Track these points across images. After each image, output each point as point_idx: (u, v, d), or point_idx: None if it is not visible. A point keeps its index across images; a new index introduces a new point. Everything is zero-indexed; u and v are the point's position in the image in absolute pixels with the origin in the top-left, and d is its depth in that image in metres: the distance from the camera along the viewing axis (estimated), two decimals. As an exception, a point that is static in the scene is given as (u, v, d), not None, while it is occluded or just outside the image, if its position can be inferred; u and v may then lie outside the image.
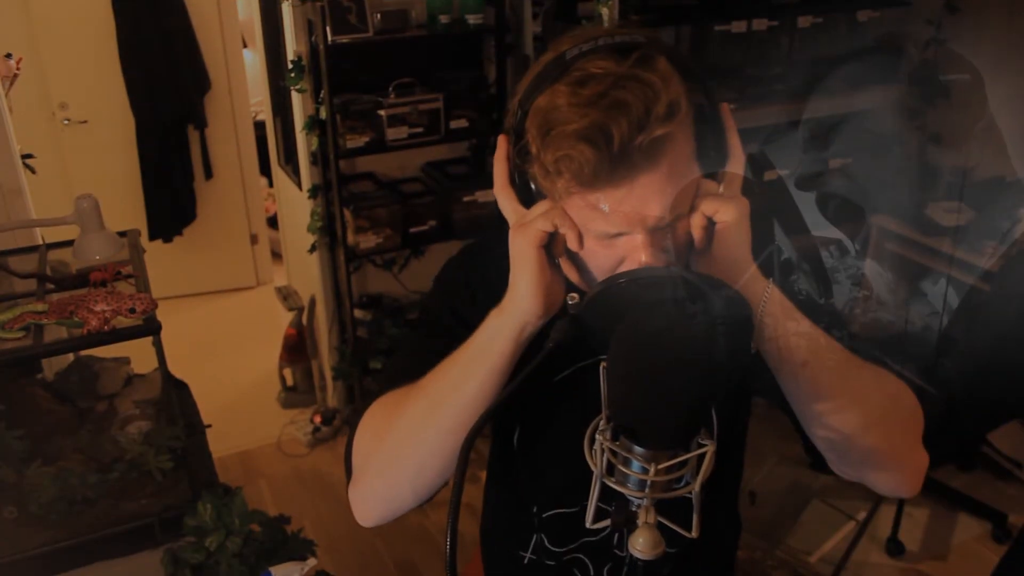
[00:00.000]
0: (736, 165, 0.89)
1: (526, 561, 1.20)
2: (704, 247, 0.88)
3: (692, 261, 0.91)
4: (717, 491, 1.14)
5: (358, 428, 1.02)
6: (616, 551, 1.14)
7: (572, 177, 0.83)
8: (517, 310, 0.88)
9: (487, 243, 1.04)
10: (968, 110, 3.33)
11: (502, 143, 0.91)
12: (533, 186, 0.89)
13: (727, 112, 0.89)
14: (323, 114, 2.86)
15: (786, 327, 0.87)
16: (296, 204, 3.43)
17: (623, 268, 0.88)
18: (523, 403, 1.09)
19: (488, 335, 0.90)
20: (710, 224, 0.87)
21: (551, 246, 0.88)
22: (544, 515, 1.15)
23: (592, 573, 1.16)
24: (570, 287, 0.91)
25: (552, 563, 1.17)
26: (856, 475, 1.00)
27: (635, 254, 0.86)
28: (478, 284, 1.06)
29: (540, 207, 0.87)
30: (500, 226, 0.93)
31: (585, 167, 0.81)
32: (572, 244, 0.87)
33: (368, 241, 3.02)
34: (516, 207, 0.90)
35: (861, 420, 0.93)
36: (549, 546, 1.16)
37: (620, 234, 0.86)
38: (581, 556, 1.16)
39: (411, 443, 0.96)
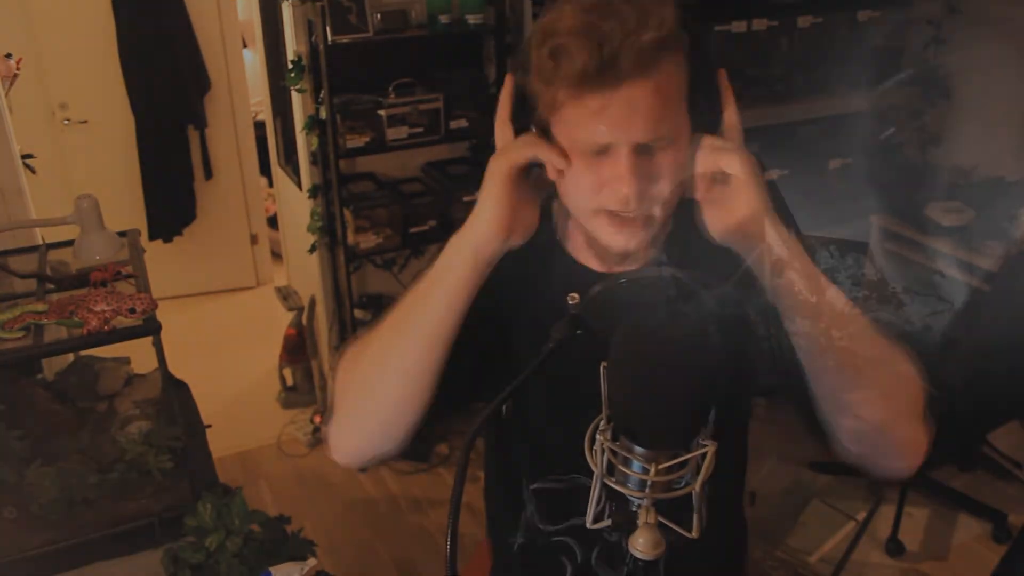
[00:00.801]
0: (733, 118, 0.91)
1: (516, 547, 1.20)
2: (709, 197, 0.89)
3: (701, 215, 0.91)
4: (718, 493, 1.14)
5: (336, 366, 1.03)
6: (605, 536, 1.14)
7: (564, 78, 0.86)
8: (474, 232, 0.91)
9: None
10: (968, 110, 3.34)
11: (508, 81, 0.94)
12: (530, 96, 0.91)
13: (723, 78, 0.92)
14: (323, 114, 2.86)
15: (804, 283, 0.88)
16: (296, 204, 3.43)
17: (607, 193, 0.90)
18: (511, 376, 1.09)
19: (446, 257, 0.93)
20: (719, 177, 0.88)
21: (527, 179, 0.91)
22: (532, 487, 1.14)
23: (580, 559, 1.16)
24: (543, 223, 0.94)
25: (542, 544, 1.17)
26: (858, 449, 0.98)
27: (618, 176, 0.88)
28: None
29: (523, 138, 0.91)
30: None
31: (576, 66, 0.84)
32: (551, 173, 0.90)
33: (368, 241, 3.02)
34: (509, 138, 0.94)
35: (869, 385, 0.92)
36: (538, 524, 1.16)
37: (605, 149, 0.88)
38: (568, 541, 1.15)
39: (376, 371, 0.97)
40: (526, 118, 0.93)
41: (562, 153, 0.90)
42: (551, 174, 0.91)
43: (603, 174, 0.89)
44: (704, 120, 0.91)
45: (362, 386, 0.99)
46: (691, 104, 0.90)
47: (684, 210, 0.96)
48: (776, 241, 0.87)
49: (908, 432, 0.98)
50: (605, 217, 0.93)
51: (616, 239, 0.94)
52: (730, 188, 0.88)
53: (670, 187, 0.91)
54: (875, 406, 0.94)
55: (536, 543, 1.18)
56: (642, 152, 0.88)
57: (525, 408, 1.12)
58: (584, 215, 0.96)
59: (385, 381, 0.97)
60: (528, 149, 0.90)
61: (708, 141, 0.90)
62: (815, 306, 0.88)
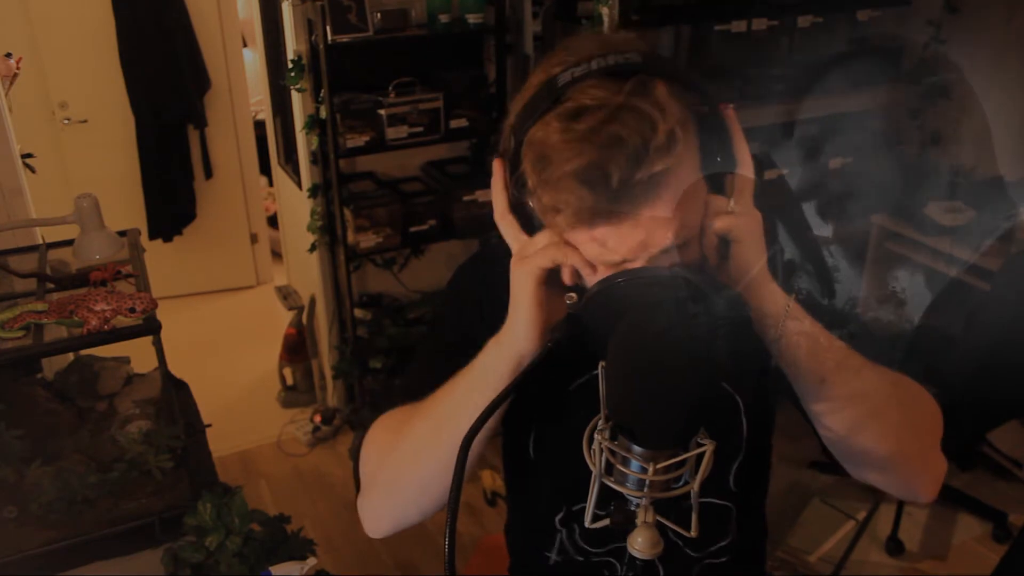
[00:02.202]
0: (746, 172, 0.86)
1: (551, 562, 1.19)
2: (719, 264, 0.87)
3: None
4: (747, 499, 1.14)
5: (364, 443, 1.04)
6: (632, 562, 1.14)
7: (571, 217, 0.81)
8: (514, 344, 0.88)
9: (495, 251, 1.04)
10: (968, 110, 3.34)
11: (498, 169, 0.89)
12: (532, 211, 0.87)
13: (733, 119, 0.85)
14: (323, 113, 2.86)
15: (804, 341, 0.87)
16: (296, 203, 3.43)
17: None
18: (536, 409, 1.09)
19: (486, 364, 0.91)
20: (723, 242, 0.85)
21: (554, 275, 0.86)
22: (573, 509, 1.14)
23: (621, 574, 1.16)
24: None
25: (581, 560, 1.16)
26: (873, 480, 1.00)
27: None
28: (485, 297, 1.04)
29: (541, 238, 0.85)
30: (465, 268, 0.92)
31: (584, 209, 0.79)
32: (585, 273, 0.85)
33: (368, 240, 3.02)
34: (518, 235, 0.89)
35: (879, 429, 0.93)
36: (579, 542, 1.15)
37: (625, 261, 0.85)
38: (612, 560, 1.15)
39: (414, 465, 0.97)
40: (529, 217, 0.88)
41: (587, 262, 0.85)
42: (567, 279, 0.86)
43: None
44: (715, 161, 0.86)
45: (396, 479, 1.00)
46: (706, 170, 0.85)
47: None
48: (772, 306, 0.86)
49: (922, 466, 0.99)
50: None
51: None
52: (731, 251, 0.86)
53: (699, 261, 0.88)
54: (887, 443, 0.94)
55: (576, 561, 1.17)
56: (663, 253, 0.84)
57: (551, 448, 1.12)
58: None
59: (423, 474, 0.97)
60: (551, 254, 0.84)
61: (716, 205, 0.85)
62: (817, 366, 0.88)
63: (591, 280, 0.86)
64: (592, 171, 0.77)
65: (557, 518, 1.14)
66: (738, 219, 0.84)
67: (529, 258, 0.85)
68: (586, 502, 1.10)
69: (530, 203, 0.86)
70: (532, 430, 1.12)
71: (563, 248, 0.84)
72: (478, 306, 1.07)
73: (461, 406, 0.91)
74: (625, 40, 0.84)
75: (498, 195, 0.89)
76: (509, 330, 0.88)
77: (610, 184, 0.77)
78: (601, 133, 0.77)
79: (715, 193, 0.86)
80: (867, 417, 0.92)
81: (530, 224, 0.88)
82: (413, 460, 0.97)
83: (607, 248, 0.83)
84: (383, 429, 1.04)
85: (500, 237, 0.92)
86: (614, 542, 1.13)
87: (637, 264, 0.83)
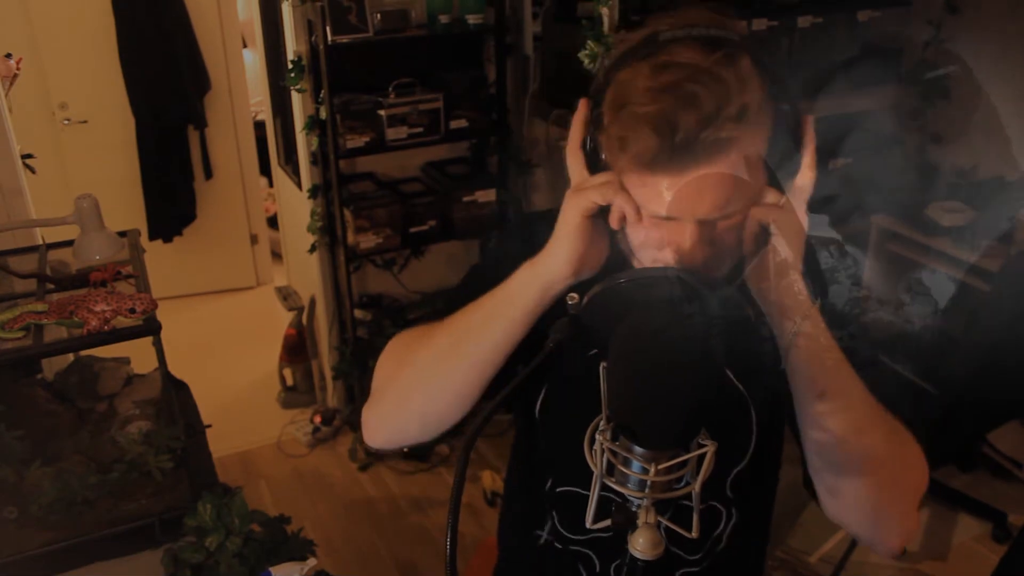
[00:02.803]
0: (805, 180, 0.89)
1: (542, 541, 1.20)
2: (754, 252, 0.88)
3: (745, 266, 0.91)
4: (746, 508, 1.14)
5: (384, 352, 1.06)
6: (626, 548, 1.14)
7: (633, 157, 0.84)
8: (548, 269, 0.90)
9: (506, 249, 1.05)
10: (968, 110, 3.34)
11: (582, 106, 0.92)
12: (601, 155, 0.90)
13: (809, 125, 0.89)
14: (323, 114, 2.86)
15: (815, 350, 0.88)
16: (296, 204, 3.43)
17: (666, 253, 0.89)
18: (550, 371, 1.10)
19: (516, 286, 0.92)
20: (763, 232, 0.87)
21: (603, 215, 0.89)
22: (558, 490, 1.14)
23: (599, 570, 1.16)
24: (613, 256, 0.93)
25: (562, 548, 1.17)
26: (847, 521, 1.00)
27: (680, 240, 0.87)
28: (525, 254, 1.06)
29: (600, 178, 0.88)
30: (513, 227, 0.93)
31: (647, 151, 0.83)
32: (630, 218, 0.88)
33: (368, 241, 3.02)
34: (581, 171, 0.91)
35: (865, 464, 0.93)
36: (561, 530, 1.16)
37: (671, 218, 0.87)
38: (589, 552, 1.15)
39: (428, 375, 0.99)
40: (596, 157, 0.91)
41: (637, 209, 0.88)
42: (614, 223, 0.89)
43: (668, 234, 0.88)
44: (781, 166, 0.89)
45: (408, 388, 1.01)
46: (769, 160, 0.88)
47: None
48: (798, 307, 0.87)
49: (898, 516, 0.99)
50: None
51: None
52: (771, 243, 0.87)
53: (736, 249, 0.90)
54: (870, 482, 0.95)
55: (555, 548, 1.18)
56: (708, 223, 0.87)
57: (555, 413, 1.13)
58: (646, 258, 0.95)
59: (434, 386, 0.99)
60: (607, 192, 0.87)
61: (770, 196, 0.88)
62: (822, 377, 0.90)
63: (633, 233, 0.90)
64: (662, 120, 0.81)
65: (546, 489, 1.15)
66: (787, 214, 0.86)
67: (584, 191, 0.88)
68: (574, 484, 1.11)
69: (600, 138, 0.89)
70: (543, 389, 1.14)
71: (620, 190, 0.87)
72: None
73: (481, 323, 0.94)
74: (733, 22, 0.90)
75: (576, 129, 0.92)
76: (546, 255, 0.90)
77: (675, 136, 0.81)
78: (680, 89, 0.81)
79: (775, 187, 0.89)
80: (856, 446, 0.93)
81: (595, 165, 0.91)
82: (425, 370, 0.99)
83: (656, 199, 0.86)
84: (403, 339, 1.06)
85: (500, 238, 0.93)
86: (595, 532, 1.13)
87: (680, 224, 0.86)
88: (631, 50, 0.87)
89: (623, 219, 0.88)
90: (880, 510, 0.98)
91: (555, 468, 1.15)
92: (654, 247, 0.90)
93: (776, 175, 0.89)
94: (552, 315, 0.88)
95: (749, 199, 0.87)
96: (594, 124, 0.90)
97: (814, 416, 0.92)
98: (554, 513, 1.16)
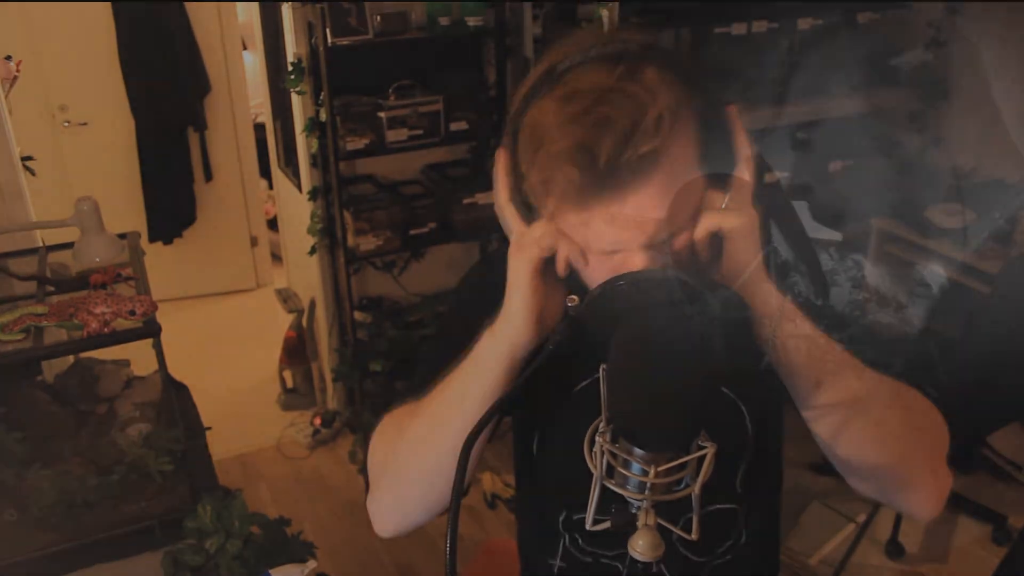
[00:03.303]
0: (744, 172, 0.86)
1: (556, 570, 1.19)
2: (712, 261, 0.86)
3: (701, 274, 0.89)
4: (756, 502, 1.13)
5: (371, 442, 1.04)
6: (652, 566, 1.13)
7: (561, 196, 0.82)
8: (508, 334, 0.88)
9: (503, 255, 1.04)
10: (968, 112, 3.34)
11: (500, 159, 0.89)
12: (527, 197, 0.88)
13: (735, 115, 0.86)
14: (323, 116, 2.86)
15: (799, 343, 0.86)
16: (296, 206, 3.43)
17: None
18: (541, 410, 1.09)
19: (482, 355, 0.91)
20: (716, 238, 0.84)
21: (551, 266, 0.86)
22: (575, 517, 1.14)
23: None
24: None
25: (589, 561, 1.16)
26: (871, 491, 0.99)
27: (633, 266, 0.84)
28: (493, 296, 1.02)
29: (538, 226, 0.86)
30: (490, 259, 0.92)
31: (571, 188, 0.80)
32: (577, 263, 0.86)
33: (368, 243, 3.02)
34: (518, 224, 0.89)
35: (878, 437, 0.91)
36: (584, 546, 1.15)
37: (617, 250, 0.85)
38: (617, 565, 1.15)
39: (415, 460, 0.97)
40: (529, 207, 0.89)
41: (580, 251, 0.85)
42: (560, 270, 0.87)
43: (617, 264, 0.85)
44: (716, 156, 0.86)
45: (400, 472, 1.00)
46: (703, 163, 0.85)
47: None
48: (767, 305, 0.85)
49: (924, 479, 0.97)
50: None
51: None
52: (725, 248, 0.85)
53: (694, 257, 0.87)
54: (886, 452, 0.93)
55: (579, 565, 1.16)
56: (654, 245, 0.84)
57: (555, 449, 1.12)
58: None
59: (424, 469, 0.97)
60: (547, 242, 0.85)
61: (710, 200, 0.85)
62: (813, 368, 0.87)
63: (584, 272, 0.87)
64: (579, 150, 0.78)
65: (560, 519, 1.14)
66: (731, 216, 0.83)
67: (525, 246, 0.86)
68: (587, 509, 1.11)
69: (525, 189, 0.87)
70: (537, 431, 1.12)
71: (561, 236, 0.85)
72: (484, 304, 1.07)
73: (457, 398, 0.92)
74: (627, 33, 0.86)
75: (500, 184, 0.90)
76: (504, 319, 0.88)
77: (597, 164, 0.78)
78: (590, 114, 0.79)
79: (716, 191, 0.85)
80: (865, 424, 0.91)
81: (530, 214, 0.88)
82: (414, 455, 0.97)
83: (597, 235, 0.83)
84: (388, 426, 1.04)
85: (502, 238, 0.92)
86: (621, 547, 1.13)
87: (628, 253, 0.84)
88: (533, 88, 0.85)
89: (568, 265, 0.86)
90: (907, 478, 0.96)
91: (567, 498, 1.13)
92: (607, 275, 0.86)
93: (717, 177, 0.85)
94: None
95: (691, 209, 0.84)
96: (515, 174, 0.87)
97: (816, 407, 0.90)
98: (574, 538, 1.15)
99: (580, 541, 1.15)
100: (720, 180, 0.86)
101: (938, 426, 0.98)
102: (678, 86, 0.82)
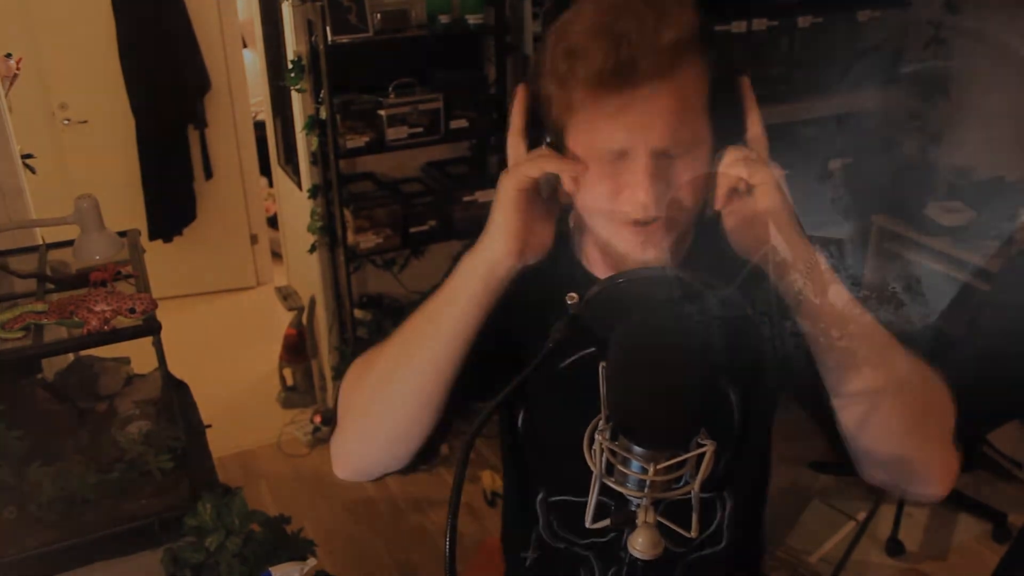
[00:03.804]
0: (758, 132, 0.89)
1: (528, 563, 1.19)
2: (730, 207, 0.88)
3: (723, 225, 0.90)
4: (739, 499, 1.13)
5: (341, 385, 1.02)
6: (622, 554, 1.13)
7: (579, 74, 0.84)
8: (488, 250, 0.89)
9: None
10: (968, 110, 3.34)
11: (520, 92, 0.92)
12: (543, 108, 0.90)
13: (747, 87, 0.90)
14: (323, 114, 2.86)
15: (828, 300, 0.86)
16: (296, 204, 3.43)
17: (624, 198, 0.88)
18: (527, 387, 1.09)
19: (458, 277, 0.91)
20: (742, 188, 0.86)
21: (544, 199, 0.89)
22: (551, 499, 1.14)
23: (597, 574, 1.16)
24: (559, 235, 0.93)
25: (558, 554, 1.16)
26: (885, 474, 0.97)
27: (635, 183, 0.86)
28: None
29: (534, 153, 0.89)
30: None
31: (592, 61, 0.82)
32: (566, 182, 0.89)
33: (368, 241, 3.02)
34: (521, 153, 0.91)
35: (896, 407, 0.90)
36: (559, 533, 1.15)
37: (622, 154, 0.86)
38: (589, 555, 1.15)
39: (383, 390, 0.95)
40: (539, 131, 0.91)
41: (577, 161, 0.88)
42: (566, 184, 0.89)
43: (620, 180, 0.87)
44: (726, 129, 0.89)
45: (368, 404, 0.97)
46: (712, 112, 0.88)
47: (707, 226, 0.94)
48: (801, 254, 0.85)
49: (937, 457, 0.96)
50: (623, 225, 0.91)
51: (634, 248, 0.92)
52: (753, 199, 0.86)
53: (690, 195, 0.89)
54: (903, 429, 0.92)
55: (551, 554, 1.16)
56: (661, 158, 0.86)
57: (538, 427, 1.12)
58: (601, 223, 0.94)
59: (392, 399, 0.95)
60: (541, 163, 0.87)
61: (732, 152, 0.87)
62: (839, 321, 0.86)
63: (583, 194, 0.90)
64: (605, 29, 0.82)
65: (538, 499, 1.14)
66: (753, 165, 0.86)
67: (519, 168, 0.88)
68: (567, 493, 1.11)
69: (543, 83, 0.89)
70: (521, 408, 1.12)
71: (553, 158, 0.87)
72: None
73: (431, 320, 0.92)
74: None
75: (516, 115, 0.92)
76: (483, 242, 0.89)
77: (620, 46, 0.81)
78: (624, 9, 0.83)
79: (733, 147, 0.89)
80: (886, 377, 0.89)
81: (536, 146, 0.91)
82: (383, 384, 0.95)
83: (605, 133, 0.85)
84: (358, 364, 1.01)
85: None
86: (593, 536, 1.12)
87: (633, 161, 0.86)
88: (558, 4, 0.91)
89: (574, 183, 0.89)
90: (926, 461, 0.96)
91: (547, 479, 1.13)
92: (607, 198, 0.89)
93: (730, 136, 0.89)
94: (549, 320, 0.86)
95: (698, 132, 0.87)
96: (533, 80, 0.91)
97: (839, 364, 0.88)
98: (550, 519, 1.15)
99: (555, 524, 1.15)
100: (732, 137, 0.89)
101: (951, 406, 0.97)
102: (701, 22, 0.86)
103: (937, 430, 0.96)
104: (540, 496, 1.14)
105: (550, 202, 0.92)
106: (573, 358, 1.04)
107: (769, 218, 0.85)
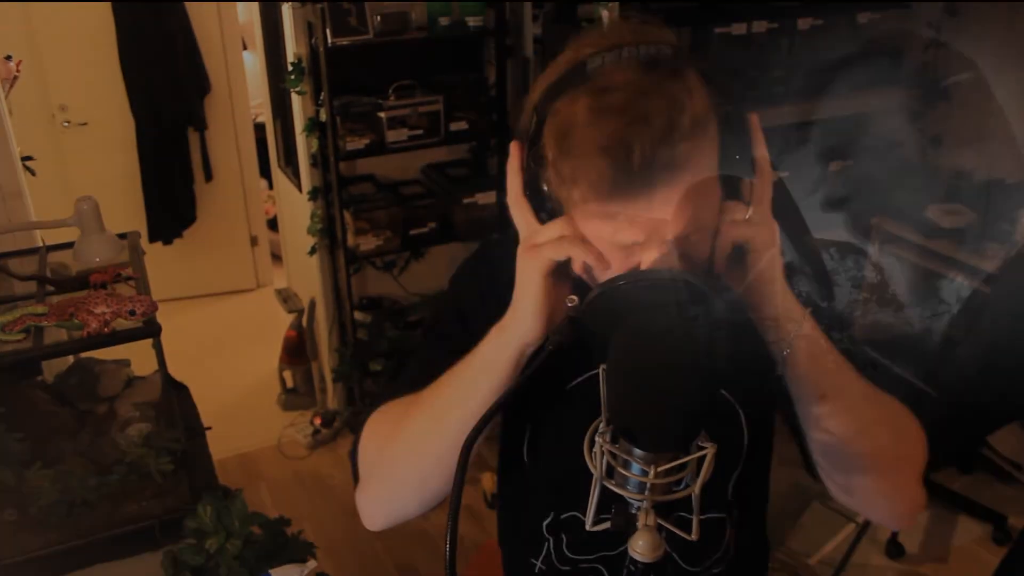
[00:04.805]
0: (764, 182, 0.85)
1: (536, 570, 1.19)
2: (728, 271, 0.86)
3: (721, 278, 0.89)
4: (746, 512, 1.13)
5: (363, 434, 1.03)
6: (631, 567, 1.13)
7: (589, 188, 0.81)
8: (518, 331, 0.87)
9: (502, 242, 1.01)
10: (969, 112, 3.34)
11: (515, 151, 0.88)
12: (546, 188, 0.86)
13: (756, 124, 0.86)
14: (323, 116, 2.86)
15: (818, 357, 0.87)
16: (296, 206, 3.43)
17: (637, 264, 0.86)
18: (532, 410, 1.08)
19: (489, 353, 0.89)
20: (737, 249, 0.84)
21: (562, 265, 0.85)
22: (561, 517, 1.13)
23: None
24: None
25: (567, 569, 1.15)
26: (854, 501, 1.01)
27: (650, 260, 0.83)
28: (487, 287, 1.02)
29: (553, 228, 0.84)
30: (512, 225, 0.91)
31: (603, 180, 0.79)
32: (596, 266, 0.84)
33: (368, 243, 3.02)
34: (530, 221, 0.87)
35: (869, 451, 0.93)
36: (566, 551, 1.14)
37: (636, 243, 0.84)
38: (599, 567, 1.15)
39: (415, 455, 0.96)
40: (539, 198, 0.87)
41: (599, 255, 0.84)
42: (578, 270, 0.86)
43: (632, 259, 0.85)
44: (731, 162, 0.86)
45: (398, 468, 0.99)
46: (724, 168, 0.85)
47: None
48: (785, 316, 0.86)
49: (904, 495, 1.00)
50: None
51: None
52: (751, 260, 0.85)
53: (703, 259, 0.87)
54: (873, 468, 0.95)
55: (559, 567, 1.16)
56: (675, 241, 0.84)
57: (545, 450, 1.11)
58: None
59: (422, 465, 0.96)
60: (565, 248, 0.83)
61: (731, 211, 0.84)
62: (822, 381, 0.88)
63: (602, 276, 0.86)
64: (615, 144, 0.78)
65: (545, 524, 1.14)
66: (756, 228, 0.83)
67: (540, 247, 0.84)
68: (576, 510, 1.10)
69: (545, 180, 0.85)
70: (527, 432, 1.12)
71: (577, 242, 0.83)
72: (479, 296, 1.06)
73: (462, 395, 0.91)
74: (659, 31, 0.85)
75: (513, 177, 0.88)
76: (513, 318, 0.87)
77: (631, 160, 0.77)
78: (629, 108, 0.78)
79: (732, 198, 0.85)
80: (863, 445, 0.92)
81: (543, 209, 0.87)
82: (413, 451, 0.96)
83: (618, 229, 0.82)
84: (382, 420, 1.02)
85: (500, 234, 0.92)
86: (603, 550, 1.12)
87: (647, 250, 0.83)
88: (559, 81, 0.83)
89: (599, 266, 0.85)
90: (889, 495, 0.99)
91: (555, 500, 1.13)
92: (620, 269, 0.86)
93: (735, 184, 0.85)
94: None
95: (713, 213, 0.84)
96: (535, 163, 0.85)
97: (816, 419, 0.91)
98: (560, 539, 1.15)
99: (564, 548, 1.15)
100: (737, 187, 0.86)
101: (923, 446, 1.00)
102: (710, 89, 0.82)
103: (906, 473, 0.99)
104: (548, 520, 1.14)
105: (567, 270, 0.88)
106: (582, 378, 1.04)
107: (763, 282, 0.85)
